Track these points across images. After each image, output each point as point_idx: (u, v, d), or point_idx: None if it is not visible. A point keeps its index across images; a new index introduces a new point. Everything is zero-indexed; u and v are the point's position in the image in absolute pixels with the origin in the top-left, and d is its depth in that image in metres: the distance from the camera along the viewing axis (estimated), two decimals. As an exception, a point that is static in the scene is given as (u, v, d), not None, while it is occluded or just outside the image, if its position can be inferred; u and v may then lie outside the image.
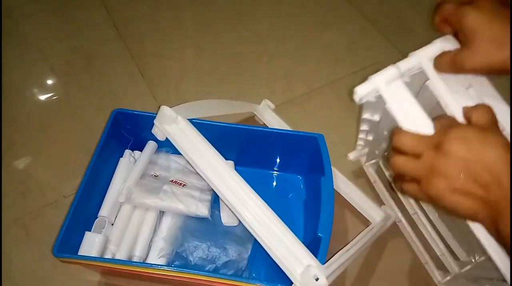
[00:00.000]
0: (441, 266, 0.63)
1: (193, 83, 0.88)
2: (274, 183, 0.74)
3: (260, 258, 0.62)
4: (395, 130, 0.37)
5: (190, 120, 0.59)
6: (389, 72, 0.40)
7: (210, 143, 0.57)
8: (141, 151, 0.68)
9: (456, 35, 0.39)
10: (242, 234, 0.63)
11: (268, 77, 0.89)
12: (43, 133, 0.80)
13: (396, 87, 0.40)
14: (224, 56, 0.93)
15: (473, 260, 0.58)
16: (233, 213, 0.53)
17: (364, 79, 0.41)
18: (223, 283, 0.51)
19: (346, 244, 0.57)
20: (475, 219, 0.33)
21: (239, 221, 0.55)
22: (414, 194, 0.36)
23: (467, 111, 0.36)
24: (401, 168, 0.36)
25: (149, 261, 0.61)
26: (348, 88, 0.85)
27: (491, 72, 0.37)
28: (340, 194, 0.70)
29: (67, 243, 0.54)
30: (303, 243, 0.50)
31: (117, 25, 0.97)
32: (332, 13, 1.01)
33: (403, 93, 0.40)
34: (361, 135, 0.64)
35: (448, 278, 0.61)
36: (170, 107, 0.58)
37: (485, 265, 0.54)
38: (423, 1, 1.04)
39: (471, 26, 0.35)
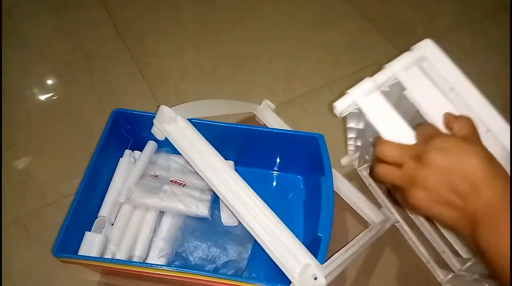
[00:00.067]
0: (443, 265, 0.63)
1: (193, 83, 0.88)
2: (274, 183, 0.74)
3: (260, 258, 0.62)
4: (377, 140, 0.37)
5: (190, 120, 0.59)
6: (366, 85, 0.41)
7: (210, 142, 0.57)
8: (141, 151, 0.68)
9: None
10: (242, 234, 0.63)
11: (268, 77, 0.89)
12: (43, 133, 0.80)
13: (374, 99, 0.41)
14: (224, 56, 0.93)
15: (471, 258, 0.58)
16: (232, 212, 0.53)
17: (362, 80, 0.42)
18: (223, 283, 0.51)
19: (346, 244, 0.57)
20: (456, 228, 0.33)
21: (239, 220, 0.55)
22: (401, 202, 0.37)
23: (448, 121, 0.37)
24: (383, 177, 0.36)
25: (149, 261, 0.61)
26: (348, 89, 0.85)
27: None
28: (339, 196, 0.70)
29: (67, 243, 0.54)
30: (303, 243, 0.50)
31: (117, 25, 0.97)
32: (332, 13, 1.01)
33: (382, 104, 0.41)
34: (350, 142, 0.65)
35: (451, 276, 0.61)
36: (170, 107, 0.58)
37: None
38: (423, 1, 1.04)
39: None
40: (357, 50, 0.94)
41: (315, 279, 0.46)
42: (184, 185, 0.65)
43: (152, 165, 0.68)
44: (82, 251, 0.58)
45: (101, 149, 0.61)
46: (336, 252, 0.54)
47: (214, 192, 0.61)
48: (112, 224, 0.63)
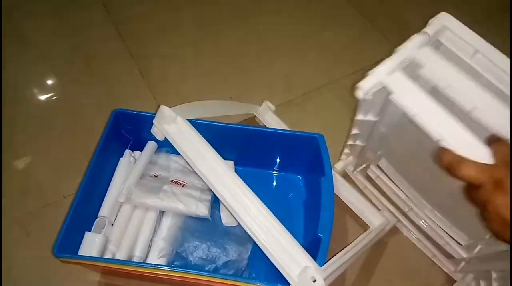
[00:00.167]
0: (450, 256, 0.63)
1: (193, 83, 0.88)
2: (274, 183, 0.74)
3: (260, 258, 0.62)
4: (444, 152, 0.36)
5: (190, 120, 0.59)
6: (388, 64, 0.43)
7: (210, 143, 0.57)
8: (141, 151, 0.68)
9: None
10: (242, 234, 0.63)
11: (268, 77, 0.89)
12: (43, 134, 0.80)
13: (398, 78, 0.42)
14: (224, 56, 0.93)
15: (477, 243, 0.58)
16: (230, 213, 0.53)
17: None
18: (223, 283, 0.51)
19: (346, 246, 0.57)
20: None
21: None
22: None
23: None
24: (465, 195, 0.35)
25: (149, 261, 0.61)
26: (348, 89, 0.85)
27: None
28: (339, 197, 0.69)
29: (67, 243, 0.54)
30: (303, 243, 0.50)
31: (117, 25, 0.97)
32: (332, 13, 1.01)
33: (408, 84, 0.41)
34: (350, 142, 0.64)
35: (461, 265, 0.61)
36: (170, 107, 0.58)
37: (491, 243, 0.54)
38: (423, 1, 1.04)
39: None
40: (357, 50, 0.94)
41: (314, 281, 0.46)
42: (184, 185, 0.65)
43: (152, 165, 0.68)
44: (82, 251, 0.58)
45: (101, 148, 0.61)
46: (336, 254, 0.54)
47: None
48: (112, 224, 0.63)
